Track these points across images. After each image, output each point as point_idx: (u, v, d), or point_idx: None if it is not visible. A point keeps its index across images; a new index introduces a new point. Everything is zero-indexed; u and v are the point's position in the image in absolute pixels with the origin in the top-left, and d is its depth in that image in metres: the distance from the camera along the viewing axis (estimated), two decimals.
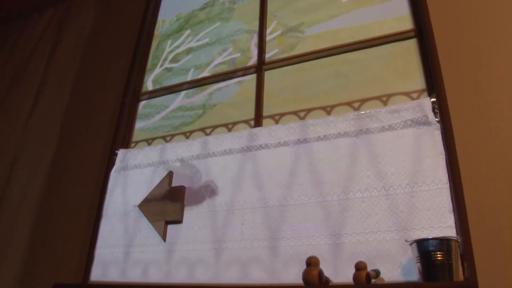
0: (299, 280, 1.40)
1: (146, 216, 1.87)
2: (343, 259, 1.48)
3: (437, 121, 1.56)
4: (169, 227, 1.83)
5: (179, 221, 1.81)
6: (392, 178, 1.53)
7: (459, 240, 1.30)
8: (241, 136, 1.87)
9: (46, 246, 2.03)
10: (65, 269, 1.92)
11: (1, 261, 2.09)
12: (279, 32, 2.14)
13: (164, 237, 1.80)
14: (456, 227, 1.38)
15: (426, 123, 1.57)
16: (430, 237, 1.28)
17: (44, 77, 2.58)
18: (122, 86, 2.34)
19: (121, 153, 2.13)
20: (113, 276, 1.83)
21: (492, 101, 1.53)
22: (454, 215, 1.40)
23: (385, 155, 1.58)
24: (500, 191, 1.37)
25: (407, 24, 1.87)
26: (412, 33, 1.83)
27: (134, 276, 1.78)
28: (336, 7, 2.06)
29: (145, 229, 1.87)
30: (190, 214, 1.81)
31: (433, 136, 1.54)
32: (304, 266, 1.37)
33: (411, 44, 1.82)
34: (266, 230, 1.64)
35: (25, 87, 2.74)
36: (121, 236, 1.91)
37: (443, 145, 1.51)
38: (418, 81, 1.73)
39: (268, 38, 2.15)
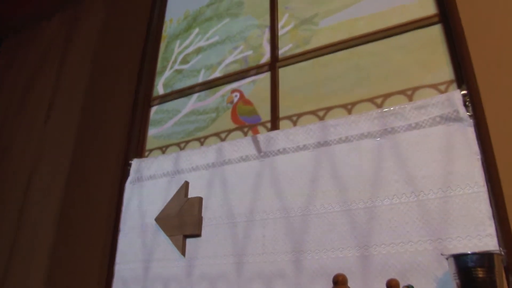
0: None
1: (164, 230, 1.80)
2: (372, 273, 1.37)
3: (470, 116, 1.42)
4: (188, 241, 1.75)
5: (198, 235, 1.73)
6: (422, 182, 1.41)
7: (503, 253, 1.17)
8: (259, 141, 1.77)
9: (66, 262, 1.99)
10: (86, 287, 1.88)
11: (23, 277, 2.07)
12: (291, 25, 2.01)
13: (183, 252, 1.73)
14: (497, 236, 1.26)
15: (457, 119, 1.43)
16: (469, 252, 1.16)
17: (56, 86, 2.53)
18: (133, 91, 2.26)
19: (135, 163, 2.07)
20: None
21: None
22: (495, 222, 1.27)
23: (413, 156, 1.45)
24: None
25: (429, 8, 1.71)
26: (436, 18, 1.67)
27: None
28: None
29: (164, 243, 1.80)
30: (209, 226, 1.73)
31: (466, 134, 1.40)
32: (330, 278, 1.28)
33: (436, 31, 1.67)
34: (289, 242, 1.55)
35: (38, 97, 2.70)
36: (140, 250, 1.85)
37: (478, 144, 1.38)
38: (445, 71, 1.58)
39: (280, 32, 2.03)
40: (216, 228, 1.71)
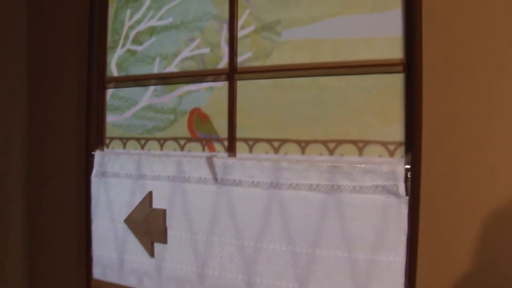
0: None
1: (133, 232, 2.03)
2: None
3: (407, 192, 1.56)
4: (156, 244, 2.00)
5: (164, 242, 1.98)
6: (357, 242, 1.63)
7: None
8: (215, 165, 1.86)
9: (43, 248, 2.23)
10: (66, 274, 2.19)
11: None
12: (252, 28, 1.83)
13: (152, 254, 2.00)
14: None
15: (396, 194, 1.58)
16: None
17: None
18: (85, 66, 2.13)
19: (97, 155, 2.13)
20: (113, 279, 2.11)
21: (473, 181, 1.47)
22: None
23: (353, 218, 1.63)
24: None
25: (397, 50, 1.62)
26: (401, 68, 1.61)
27: (132, 283, 2.07)
28: (320, 5, 1.71)
29: (134, 242, 2.05)
30: (174, 236, 1.96)
31: (400, 210, 1.57)
32: None
33: (398, 81, 1.62)
34: (243, 265, 1.82)
35: None
36: (113, 243, 2.10)
37: (408, 222, 1.56)
38: (397, 129, 1.62)
39: (240, 33, 1.86)
40: (179, 239, 1.95)
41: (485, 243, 1.45)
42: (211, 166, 1.85)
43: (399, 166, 1.58)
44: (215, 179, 1.86)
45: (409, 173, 1.56)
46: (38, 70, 2.23)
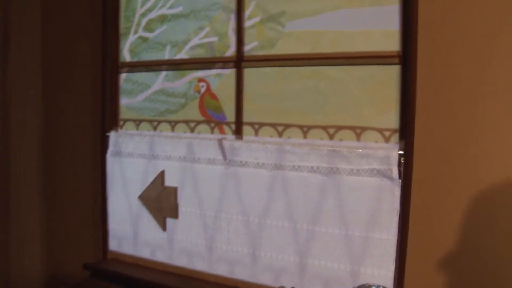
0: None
1: (146, 208, 2.19)
2: (306, 276, 1.88)
3: (400, 176, 1.70)
4: (168, 219, 2.17)
5: (175, 217, 2.14)
6: (353, 221, 1.78)
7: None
8: (224, 147, 2.00)
9: (60, 227, 2.41)
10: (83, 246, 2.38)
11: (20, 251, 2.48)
12: (258, 18, 1.94)
13: (164, 229, 2.17)
14: (394, 273, 1.73)
15: (389, 177, 1.71)
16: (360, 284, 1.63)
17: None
18: (98, 53, 2.25)
19: (112, 136, 2.27)
20: (128, 251, 2.29)
21: (461, 166, 1.58)
22: (395, 264, 1.73)
23: (349, 199, 1.78)
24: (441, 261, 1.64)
25: (394, 43, 1.72)
26: (397, 60, 1.71)
27: (145, 255, 2.25)
28: None
29: (148, 217, 2.21)
30: (184, 212, 2.12)
31: (393, 192, 1.71)
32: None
33: (394, 72, 1.73)
34: (248, 239, 1.99)
35: None
36: (128, 218, 2.28)
37: (400, 203, 1.71)
38: (393, 117, 1.74)
39: (246, 24, 1.96)
40: (190, 215, 2.11)
41: (471, 223, 1.59)
42: (222, 147, 1.99)
43: (393, 152, 1.71)
44: (225, 159, 2.00)
45: (402, 158, 1.70)
46: (54, 56, 2.36)
